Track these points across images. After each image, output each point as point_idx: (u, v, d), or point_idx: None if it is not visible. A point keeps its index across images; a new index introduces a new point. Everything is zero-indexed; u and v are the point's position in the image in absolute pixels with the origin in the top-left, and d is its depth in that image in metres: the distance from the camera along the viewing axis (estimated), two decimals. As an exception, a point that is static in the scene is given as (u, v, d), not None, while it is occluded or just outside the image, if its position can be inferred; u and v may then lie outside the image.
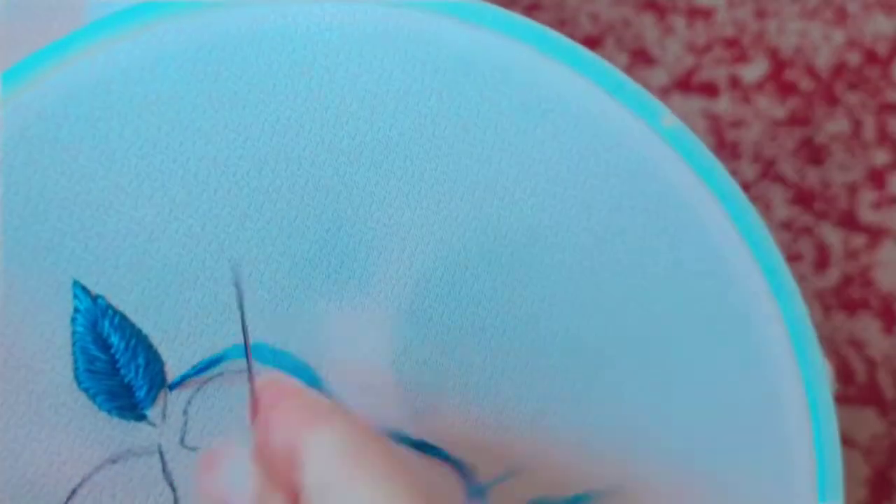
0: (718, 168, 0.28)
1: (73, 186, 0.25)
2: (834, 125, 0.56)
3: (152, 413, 0.25)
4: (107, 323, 0.25)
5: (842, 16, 0.58)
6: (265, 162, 0.26)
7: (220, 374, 0.26)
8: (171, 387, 0.26)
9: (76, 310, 0.25)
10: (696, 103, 0.56)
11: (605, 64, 0.28)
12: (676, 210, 0.28)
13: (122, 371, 0.25)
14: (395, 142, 0.26)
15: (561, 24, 0.57)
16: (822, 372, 0.29)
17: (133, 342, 0.25)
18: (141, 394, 0.25)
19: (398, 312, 0.27)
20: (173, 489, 0.25)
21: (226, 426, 0.25)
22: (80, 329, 0.25)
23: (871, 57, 0.57)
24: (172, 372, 0.26)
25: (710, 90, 0.57)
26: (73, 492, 0.25)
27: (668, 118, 0.28)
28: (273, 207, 0.26)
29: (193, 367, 0.25)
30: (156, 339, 0.25)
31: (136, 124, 0.25)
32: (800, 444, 0.28)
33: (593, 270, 0.27)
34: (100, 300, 0.25)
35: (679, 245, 0.28)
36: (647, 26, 0.58)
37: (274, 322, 0.26)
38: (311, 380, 0.26)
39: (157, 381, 0.25)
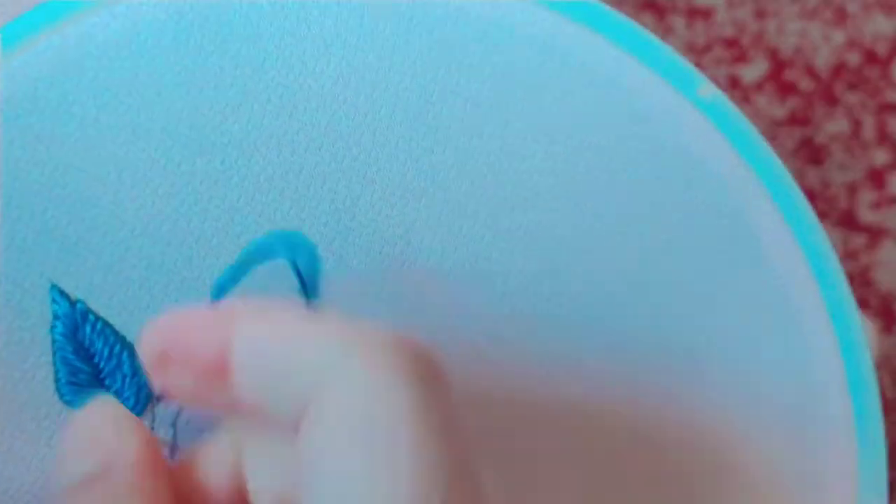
0: (756, 139, 0.26)
1: (46, 181, 0.23)
2: (833, 125, 0.56)
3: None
4: (88, 329, 0.23)
5: (841, 16, 0.58)
6: (255, 147, 0.24)
7: None
8: (159, 398, 0.24)
9: (55, 316, 0.23)
10: (695, 104, 0.56)
11: (628, 20, 0.26)
12: (706, 181, 0.26)
13: (107, 381, 0.23)
14: (399, 120, 0.24)
15: (558, 26, 0.56)
16: (860, 335, 0.27)
17: (117, 349, 0.23)
18: (128, 406, 0.23)
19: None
20: None
21: (216, 438, 0.23)
22: (59, 337, 0.23)
23: (870, 57, 0.58)
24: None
25: (709, 91, 0.57)
26: None
27: (705, 87, 0.26)
28: (264, 199, 0.24)
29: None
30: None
31: (114, 107, 0.23)
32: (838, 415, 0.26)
33: (623, 249, 0.25)
34: (79, 304, 0.23)
35: (711, 218, 0.26)
36: (647, 26, 0.57)
37: None
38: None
39: (144, 392, 0.23)
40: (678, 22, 0.57)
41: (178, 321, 0.19)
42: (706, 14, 0.57)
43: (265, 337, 0.18)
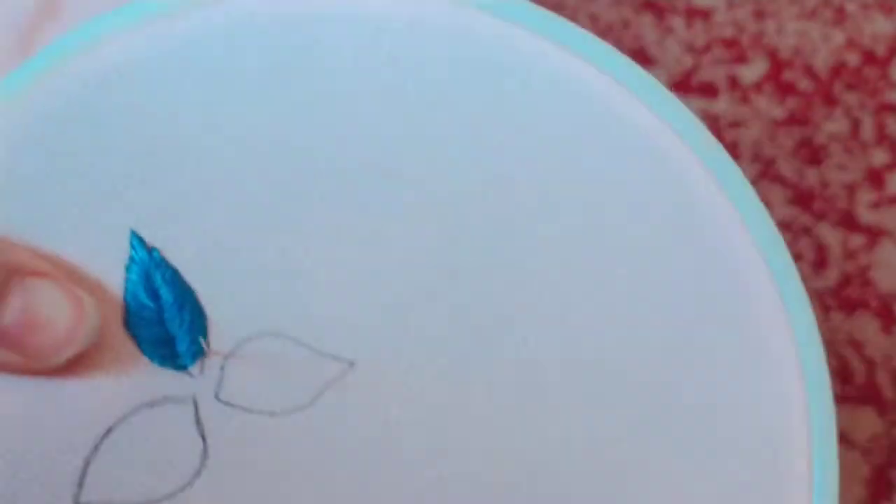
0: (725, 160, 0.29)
1: (137, 135, 0.27)
2: (832, 125, 0.57)
3: (192, 365, 0.28)
4: (158, 276, 0.28)
5: (840, 16, 0.58)
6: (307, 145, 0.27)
7: (261, 337, 0.28)
8: (208, 353, 0.28)
9: (132, 259, 0.27)
10: (695, 104, 0.57)
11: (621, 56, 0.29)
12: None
13: (168, 324, 0.28)
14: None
15: (561, 26, 0.57)
16: (824, 372, 0.28)
17: (180, 299, 0.28)
18: (182, 347, 0.28)
19: None
20: (203, 438, 0.28)
21: (259, 387, 0.28)
22: (133, 277, 0.27)
23: (869, 57, 0.58)
24: (216, 329, 0.28)
25: (709, 91, 0.57)
26: (110, 429, 0.27)
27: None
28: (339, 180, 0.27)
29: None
30: (204, 296, 0.28)
31: (211, 84, 0.27)
32: (797, 443, 0.28)
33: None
34: (154, 253, 0.28)
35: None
36: (647, 27, 0.58)
37: None
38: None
39: (197, 343, 0.28)
40: (677, 22, 0.58)
41: None
42: (706, 14, 0.58)
43: None
